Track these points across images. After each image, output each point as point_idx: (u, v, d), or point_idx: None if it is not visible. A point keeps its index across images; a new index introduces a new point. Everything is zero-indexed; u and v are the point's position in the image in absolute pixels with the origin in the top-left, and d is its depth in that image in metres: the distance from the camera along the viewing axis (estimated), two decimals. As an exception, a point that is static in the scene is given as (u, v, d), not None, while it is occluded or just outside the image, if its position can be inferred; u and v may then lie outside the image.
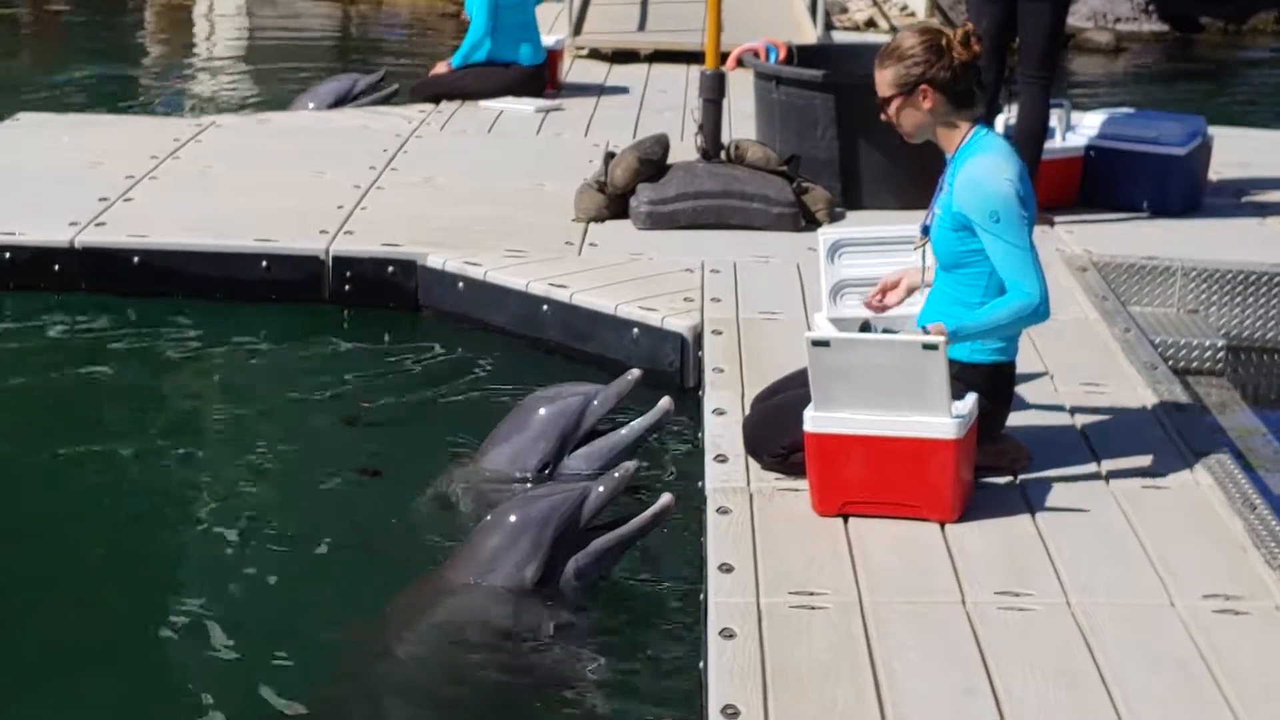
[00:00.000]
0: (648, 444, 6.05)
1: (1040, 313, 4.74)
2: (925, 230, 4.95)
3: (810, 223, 7.67)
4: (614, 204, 7.82)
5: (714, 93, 8.00)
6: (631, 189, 7.79)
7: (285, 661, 4.56)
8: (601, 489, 4.80)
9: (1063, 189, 8.02)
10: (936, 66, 4.77)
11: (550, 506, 4.74)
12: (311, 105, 10.77)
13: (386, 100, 10.85)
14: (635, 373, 5.66)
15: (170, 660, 4.61)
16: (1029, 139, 7.62)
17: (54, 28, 16.64)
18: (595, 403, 5.55)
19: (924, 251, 4.96)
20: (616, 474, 4.85)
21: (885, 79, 4.84)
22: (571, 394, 5.59)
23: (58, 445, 6.04)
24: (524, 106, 10.40)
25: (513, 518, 4.74)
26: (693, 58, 10.99)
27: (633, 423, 5.57)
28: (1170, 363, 6.35)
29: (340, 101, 10.78)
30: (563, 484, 5.12)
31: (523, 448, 5.48)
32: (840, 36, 14.28)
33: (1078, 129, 8.23)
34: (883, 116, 4.89)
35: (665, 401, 5.57)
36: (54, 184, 8.18)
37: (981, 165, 4.75)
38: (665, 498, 4.85)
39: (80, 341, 6.99)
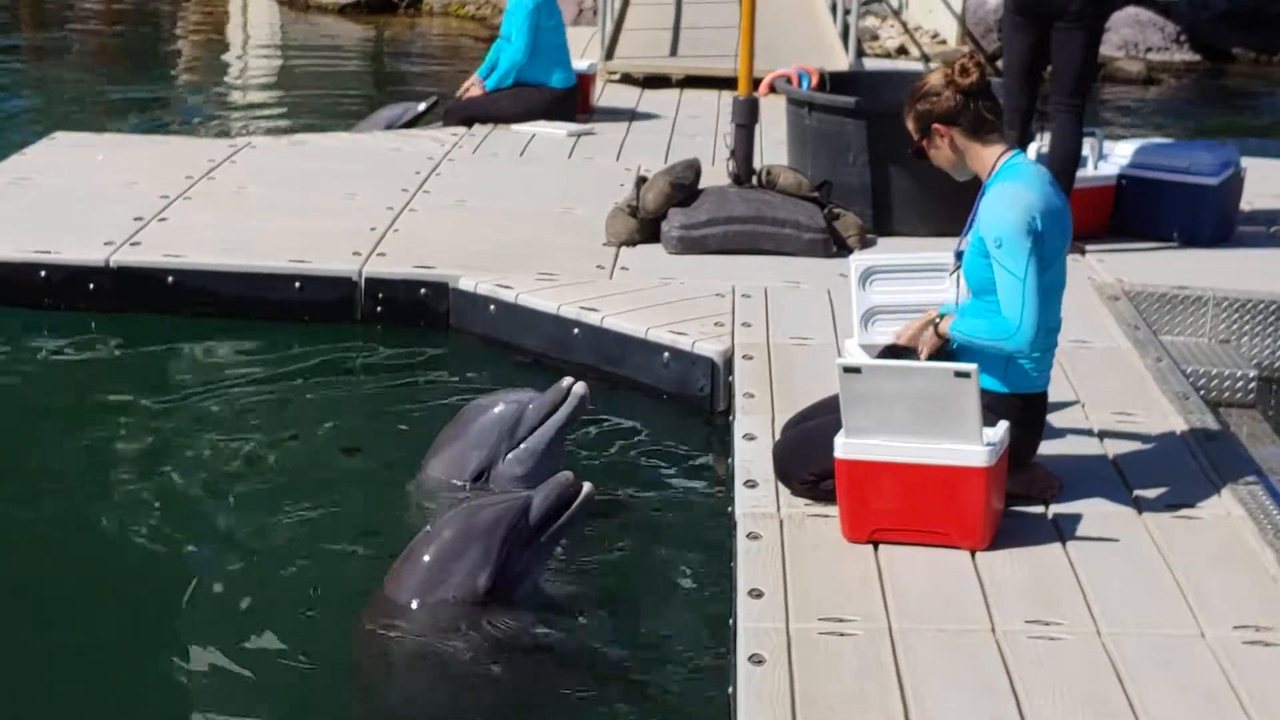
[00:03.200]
0: (677, 467, 6.08)
1: (1014, 344, 4.76)
2: (959, 256, 4.97)
3: (841, 249, 7.69)
4: (645, 228, 7.84)
5: (746, 118, 8.01)
6: (663, 213, 7.81)
7: (256, 683, 4.60)
8: (541, 497, 4.78)
9: (1094, 218, 8.01)
10: (941, 101, 4.83)
11: (496, 515, 4.72)
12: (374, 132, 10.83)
13: (429, 111, 10.88)
14: (568, 380, 5.68)
15: (157, 673, 4.65)
16: (1061, 167, 7.61)
17: (89, 48, 16.75)
18: (530, 409, 5.60)
19: (957, 278, 4.98)
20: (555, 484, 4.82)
21: (909, 127, 4.95)
22: (508, 401, 5.65)
23: (89, 461, 6.08)
24: (556, 130, 10.43)
25: (454, 529, 4.71)
26: (724, 83, 11.02)
27: (551, 419, 5.58)
28: (1202, 393, 6.33)
29: (393, 128, 10.86)
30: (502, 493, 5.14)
31: (459, 456, 5.57)
32: (871, 64, 14.30)
33: (1110, 158, 8.22)
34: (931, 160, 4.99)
35: (579, 386, 5.61)
36: (89, 203, 8.23)
37: (1002, 191, 4.78)
38: (587, 487, 4.84)
39: (114, 360, 7.03)
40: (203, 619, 4.90)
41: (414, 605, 4.59)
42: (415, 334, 7.25)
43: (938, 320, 4.90)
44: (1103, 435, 5.56)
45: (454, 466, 5.57)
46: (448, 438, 5.66)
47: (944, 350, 4.88)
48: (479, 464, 5.54)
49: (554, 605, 4.86)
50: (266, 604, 5.00)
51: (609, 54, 12.96)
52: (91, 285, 7.33)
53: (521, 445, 5.55)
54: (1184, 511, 5.00)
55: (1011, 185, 4.78)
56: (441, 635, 4.53)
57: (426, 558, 4.66)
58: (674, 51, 13.37)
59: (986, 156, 4.87)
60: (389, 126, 10.90)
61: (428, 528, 4.79)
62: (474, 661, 4.50)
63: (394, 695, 4.47)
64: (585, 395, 5.61)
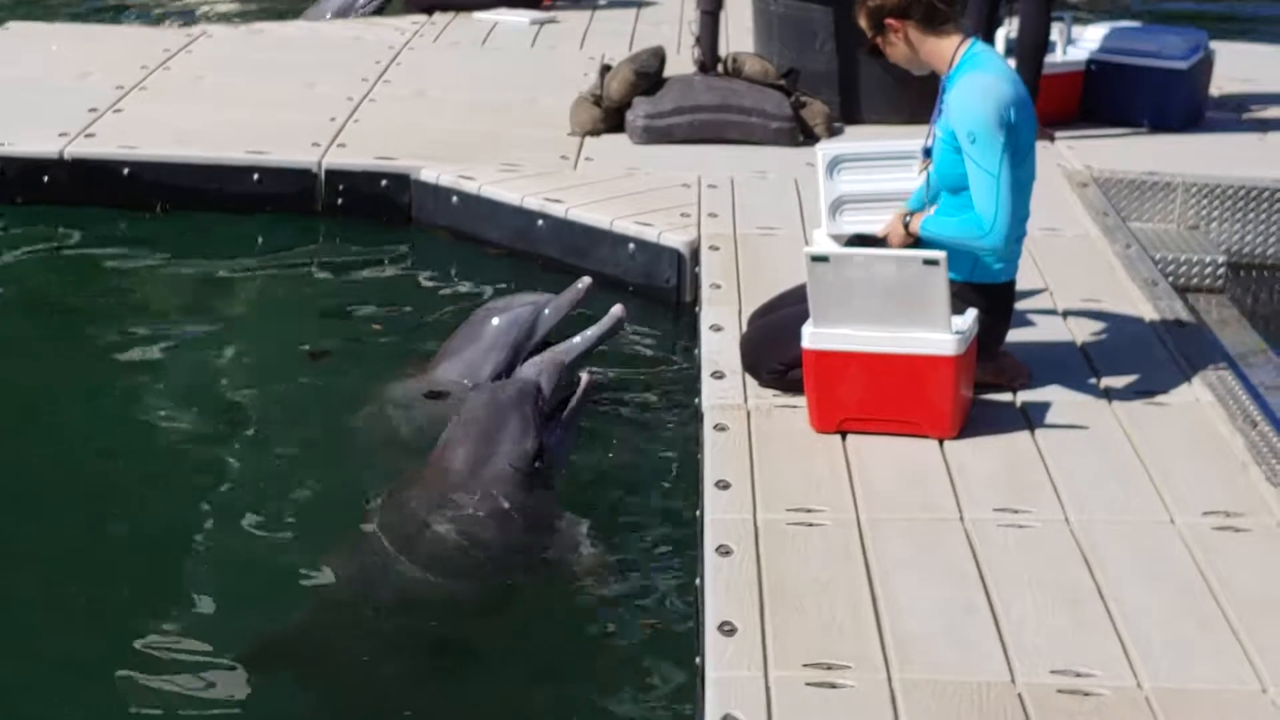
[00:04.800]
0: (644, 359, 6.04)
1: (989, 242, 4.69)
2: (927, 153, 4.88)
3: (808, 137, 7.61)
4: (610, 118, 7.75)
5: (711, 5, 7.90)
6: (627, 102, 7.71)
7: (279, 563, 4.58)
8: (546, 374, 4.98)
9: (1063, 103, 7.95)
10: None
11: (518, 388, 4.87)
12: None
13: (380, 10, 10.74)
14: (586, 280, 5.59)
15: (154, 565, 4.61)
16: (1029, 53, 7.55)
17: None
18: (546, 312, 5.52)
19: (928, 174, 4.89)
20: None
21: (862, 25, 4.82)
22: (522, 304, 5.57)
23: (44, 357, 6.00)
24: (518, 18, 10.29)
25: (493, 398, 4.84)
26: (689, -31, 10.86)
27: (585, 331, 5.48)
28: (1171, 279, 6.30)
29: (343, 16, 10.69)
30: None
31: (475, 359, 5.47)
32: (838, -51, 14.11)
33: (1078, 43, 8.15)
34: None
35: (617, 309, 5.51)
36: (43, 94, 8.10)
37: (973, 83, 4.67)
38: (586, 376, 4.99)
39: (70, 253, 6.93)
40: (180, 524, 4.82)
41: (471, 477, 4.64)
42: (376, 226, 7.16)
43: (908, 219, 4.82)
44: (1071, 323, 5.53)
45: (468, 370, 5.44)
46: (460, 341, 5.54)
47: (913, 247, 4.81)
48: (495, 367, 5.42)
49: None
50: (252, 506, 4.92)
51: (571, -60, 12.74)
52: (46, 178, 7.21)
53: (544, 355, 5.40)
54: (1153, 398, 4.97)
55: (981, 76, 4.68)
56: (497, 501, 4.59)
57: (471, 436, 4.74)
58: (638, -63, 13.16)
59: (944, 48, 4.76)
60: (337, 16, 10.72)
61: (454, 417, 4.84)
62: (522, 530, 4.59)
63: (460, 560, 4.49)
64: (622, 318, 5.49)
